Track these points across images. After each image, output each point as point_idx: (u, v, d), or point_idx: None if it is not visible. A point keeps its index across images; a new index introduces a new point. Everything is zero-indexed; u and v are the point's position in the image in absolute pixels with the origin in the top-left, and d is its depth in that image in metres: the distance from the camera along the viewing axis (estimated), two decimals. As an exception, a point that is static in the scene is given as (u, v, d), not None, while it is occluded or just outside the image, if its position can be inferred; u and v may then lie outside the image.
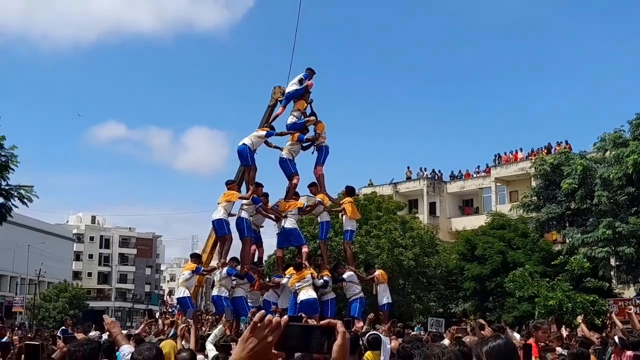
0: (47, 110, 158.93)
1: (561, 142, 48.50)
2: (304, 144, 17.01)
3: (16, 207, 32.24)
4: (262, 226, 17.08)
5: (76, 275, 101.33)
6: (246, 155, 16.19)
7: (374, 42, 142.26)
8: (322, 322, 2.23)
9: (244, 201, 15.64)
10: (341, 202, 16.84)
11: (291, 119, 17.14)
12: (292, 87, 17.54)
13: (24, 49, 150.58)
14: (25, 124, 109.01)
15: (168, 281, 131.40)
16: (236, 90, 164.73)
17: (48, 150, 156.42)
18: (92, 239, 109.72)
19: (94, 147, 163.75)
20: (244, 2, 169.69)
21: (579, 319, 12.85)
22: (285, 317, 2.33)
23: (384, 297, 16.10)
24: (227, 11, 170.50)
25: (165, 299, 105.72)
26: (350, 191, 17.35)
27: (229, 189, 15.71)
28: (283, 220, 15.87)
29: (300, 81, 17.57)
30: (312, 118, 17.34)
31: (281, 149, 16.91)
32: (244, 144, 16.29)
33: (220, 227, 15.30)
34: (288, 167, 16.63)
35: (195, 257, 15.95)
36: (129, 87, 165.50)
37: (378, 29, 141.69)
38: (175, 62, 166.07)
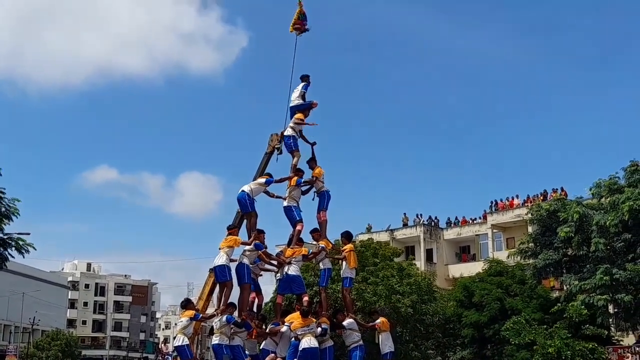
0: (36, 154, 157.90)
1: (557, 189, 48.69)
2: (303, 188, 16.99)
3: (12, 257, 32.09)
4: (261, 275, 16.95)
5: (70, 323, 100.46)
6: (245, 202, 16.12)
7: (371, 90, 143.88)
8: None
9: (247, 247, 15.57)
10: (342, 249, 16.74)
11: (289, 131, 17.27)
12: (296, 101, 17.62)
13: (11, 91, 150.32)
14: (13, 169, 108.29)
15: (163, 329, 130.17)
16: (230, 134, 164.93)
17: (38, 195, 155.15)
18: (87, 286, 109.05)
19: (85, 192, 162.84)
20: (237, 42, 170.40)
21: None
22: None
23: (387, 345, 15.89)
24: (220, 52, 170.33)
25: (160, 347, 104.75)
26: (349, 236, 17.28)
27: (229, 233, 15.65)
28: (286, 267, 15.69)
29: (303, 95, 17.65)
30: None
31: (283, 198, 16.87)
32: (243, 191, 16.23)
33: (222, 273, 15.15)
34: (292, 215, 16.50)
35: (188, 303, 15.67)
36: (119, 131, 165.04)
37: (375, 77, 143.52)
38: (167, 105, 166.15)
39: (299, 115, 17.44)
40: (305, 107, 17.57)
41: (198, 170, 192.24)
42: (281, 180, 16.91)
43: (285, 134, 17.49)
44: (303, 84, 17.83)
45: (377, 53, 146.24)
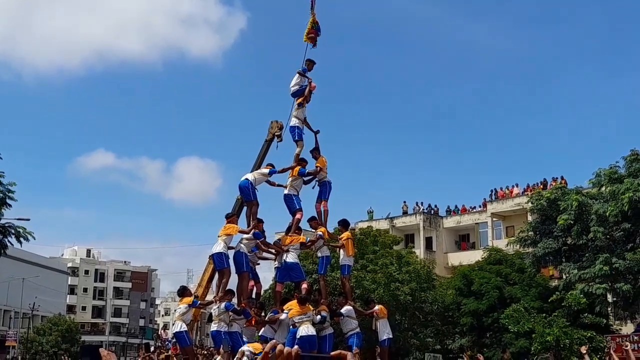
0: (31, 138, 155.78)
1: (557, 178, 48.64)
2: (305, 179, 16.99)
3: (12, 244, 32.11)
4: (259, 263, 16.95)
5: (70, 309, 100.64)
6: (248, 191, 16.14)
7: (372, 81, 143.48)
8: (332, 353, 2.23)
9: (245, 235, 15.57)
10: (340, 237, 16.76)
11: (294, 121, 17.21)
12: (292, 88, 17.50)
13: (7, 74, 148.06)
14: (8, 153, 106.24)
15: (162, 315, 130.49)
16: (229, 118, 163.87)
17: (35, 180, 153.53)
18: (87, 272, 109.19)
19: (81, 177, 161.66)
20: (236, 23, 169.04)
21: (583, 349, 12.78)
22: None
23: (384, 332, 15.94)
24: (219, 35, 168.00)
25: (159, 333, 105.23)
26: (346, 225, 17.27)
27: (228, 222, 15.63)
28: (284, 255, 15.73)
29: (301, 77, 17.50)
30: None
31: (284, 186, 16.86)
32: (246, 179, 16.25)
33: (219, 260, 15.19)
34: (292, 203, 16.53)
35: (185, 290, 15.68)
36: (116, 115, 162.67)
37: (378, 67, 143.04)
38: (166, 88, 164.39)
39: (299, 100, 17.40)
40: (303, 91, 17.50)
41: (197, 155, 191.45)
42: (284, 171, 16.91)
43: (290, 124, 17.42)
44: (300, 69, 17.73)
45: (379, 43, 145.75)
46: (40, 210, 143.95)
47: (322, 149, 17.40)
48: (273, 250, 16.19)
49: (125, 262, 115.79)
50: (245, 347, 13.58)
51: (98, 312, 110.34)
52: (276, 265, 16.29)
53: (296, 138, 17.22)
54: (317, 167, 16.97)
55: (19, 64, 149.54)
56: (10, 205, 30.71)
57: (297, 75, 17.57)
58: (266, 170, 16.63)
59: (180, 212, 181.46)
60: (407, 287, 34.42)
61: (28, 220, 33.06)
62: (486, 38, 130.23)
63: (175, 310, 16.50)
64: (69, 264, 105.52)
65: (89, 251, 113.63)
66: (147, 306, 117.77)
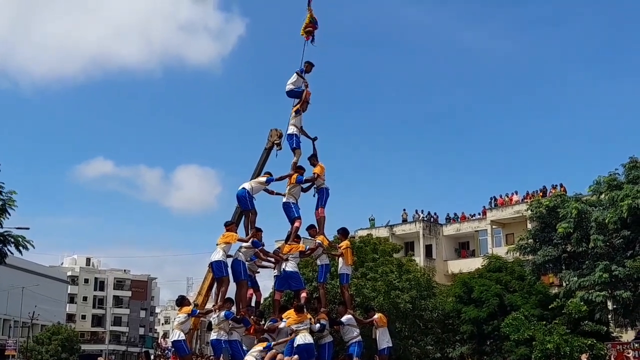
0: (29, 147, 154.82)
1: (556, 185, 48.71)
2: (304, 186, 16.99)
3: (11, 253, 32.04)
4: (258, 272, 16.95)
5: (70, 317, 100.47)
6: (245, 200, 16.15)
7: (371, 86, 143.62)
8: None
9: (243, 244, 15.57)
10: (339, 245, 16.75)
11: (291, 129, 17.21)
12: (287, 87, 17.48)
13: (4, 83, 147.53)
14: (7, 161, 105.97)
15: (162, 324, 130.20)
16: (228, 126, 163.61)
17: (33, 189, 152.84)
18: (86, 281, 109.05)
19: (81, 185, 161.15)
20: (234, 29, 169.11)
21: (583, 357, 12.82)
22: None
23: (384, 340, 15.93)
24: (218, 41, 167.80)
25: (159, 341, 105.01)
26: (345, 233, 17.26)
27: (227, 230, 15.64)
28: (284, 263, 15.72)
29: (298, 77, 17.46)
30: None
31: (283, 195, 16.87)
32: (243, 188, 16.25)
33: (218, 269, 15.20)
34: (291, 211, 16.53)
35: (184, 300, 15.67)
36: (115, 123, 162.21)
37: (376, 72, 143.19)
38: (165, 96, 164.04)
39: (295, 108, 17.41)
40: (298, 92, 17.49)
41: (196, 163, 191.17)
42: (281, 179, 16.91)
43: (288, 132, 17.44)
44: (299, 69, 17.73)
45: (378, 48, 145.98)
46: (39, 218, 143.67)
47: (321, 155, 17.43)
48: (272, 259, 16.18)
49: (124, 270, 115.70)
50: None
51: (98, 320, 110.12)
52: (276, 274, 16.28)
53: (294, 146, 17.24)
54: (314, 173, 16.95)
55: (16, 72, 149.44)
56: (9, 214, 30.65)
57: (295, 75, 17.57)
58: (263, 179, 16.63)
59: (180, 220, 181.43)
60: (407, 295, 34.35)
61: (27, 229, 32.97)
62: (485, 42, 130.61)
63: (175, 319, 16.45)
64: (69, 273, 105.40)
65: (88, 260, 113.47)
66: (147, 315, 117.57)
